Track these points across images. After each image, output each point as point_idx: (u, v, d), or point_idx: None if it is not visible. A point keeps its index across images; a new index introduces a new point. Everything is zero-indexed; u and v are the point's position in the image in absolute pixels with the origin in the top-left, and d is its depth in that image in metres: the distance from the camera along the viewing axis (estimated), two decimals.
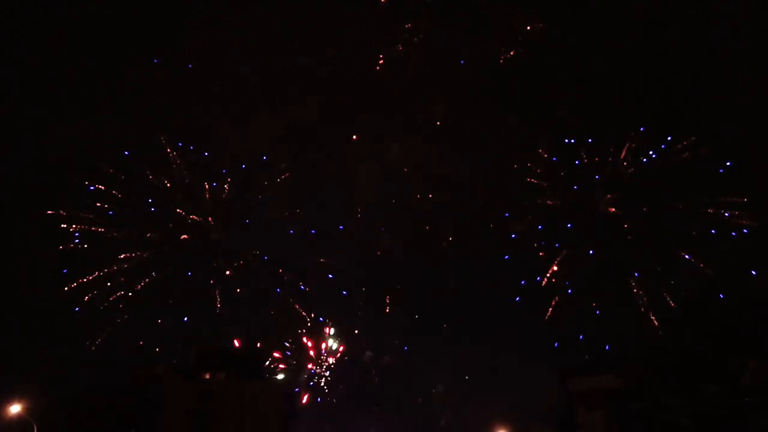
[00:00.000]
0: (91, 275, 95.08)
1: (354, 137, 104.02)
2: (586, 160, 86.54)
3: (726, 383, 26.44)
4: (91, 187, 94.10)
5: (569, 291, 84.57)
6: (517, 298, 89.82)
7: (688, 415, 27.65)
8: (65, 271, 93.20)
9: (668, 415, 28.42)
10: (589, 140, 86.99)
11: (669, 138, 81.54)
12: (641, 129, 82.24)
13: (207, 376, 76.04)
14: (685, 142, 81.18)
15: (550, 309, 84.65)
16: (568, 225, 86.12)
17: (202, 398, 71.05)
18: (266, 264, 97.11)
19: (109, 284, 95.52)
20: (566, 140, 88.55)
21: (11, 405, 44.91)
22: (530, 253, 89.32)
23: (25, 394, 46.97)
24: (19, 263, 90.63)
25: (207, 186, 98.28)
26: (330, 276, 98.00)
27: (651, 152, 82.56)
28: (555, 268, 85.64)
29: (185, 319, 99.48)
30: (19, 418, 45.87)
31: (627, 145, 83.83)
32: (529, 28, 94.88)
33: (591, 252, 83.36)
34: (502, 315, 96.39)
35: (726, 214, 76.69)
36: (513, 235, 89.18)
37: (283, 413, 74.33)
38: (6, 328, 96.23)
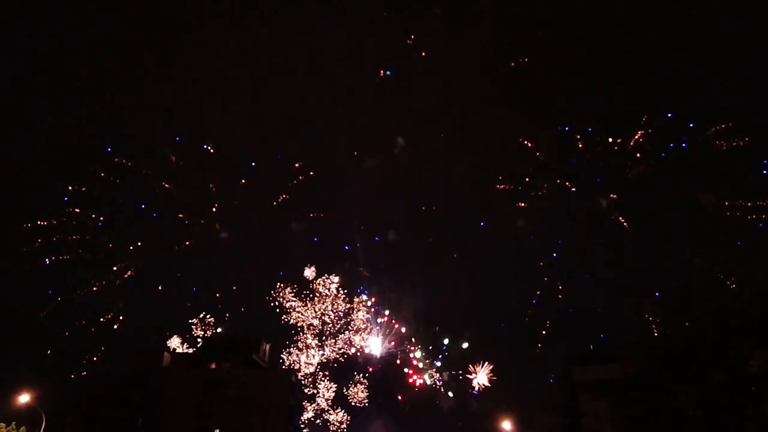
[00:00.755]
0: (95, 279, 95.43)
1: (355, 152, 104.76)
2: (588, 156, 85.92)
3: (731, 371, 26.44)
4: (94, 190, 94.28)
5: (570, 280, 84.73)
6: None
7: (693, 403, 27.63)
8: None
9: (673, 402, 28.41)
10: (589, 129, 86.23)
11: (691, 125, 79.50)
12: (669, 115, 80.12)
13: (212, 366, 76.39)
14: (713, 129, 78.76)
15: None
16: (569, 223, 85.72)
17: (207, 387, 71.44)
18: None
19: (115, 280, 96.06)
20: (566, 131, 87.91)
21: (20, 395, 45.19)
22: (532, 250, 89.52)
23: (34, 385, 47.31)
24: (21, 267, 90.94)
25: (213, 188, 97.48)
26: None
27: (672, 144, 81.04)
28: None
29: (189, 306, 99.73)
30: (28, 408, 46.22)
31: (638, 135, 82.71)
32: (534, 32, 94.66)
33: (593, 245, 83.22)
34: (506, 309, 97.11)
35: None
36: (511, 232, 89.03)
37: (288, 402, 74.71)
38: (14, 323, 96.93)
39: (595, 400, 45.03)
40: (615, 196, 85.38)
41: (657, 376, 29.56)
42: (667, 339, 30.02)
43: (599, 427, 43.02)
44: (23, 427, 45.64)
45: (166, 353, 78.13)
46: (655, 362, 30.10)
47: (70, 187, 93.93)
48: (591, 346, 58.85)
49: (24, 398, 45.23)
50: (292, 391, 79.03)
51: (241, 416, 69.29)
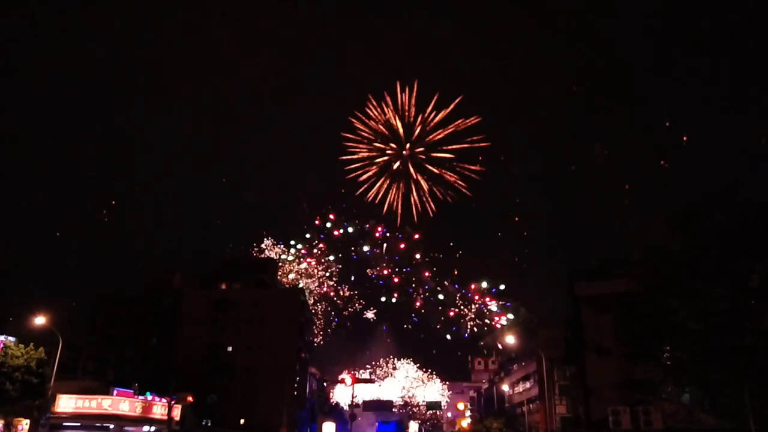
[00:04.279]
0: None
1: None
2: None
3: (733, 286, 26.57)
4: None
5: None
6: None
7: (693, 318, 27.97)
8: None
9: (674, 317, 28.74)
10: None
11: None
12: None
13: (223, 287, 78.09)
14: None
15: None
16: None
17: (218, 307, 73.32)
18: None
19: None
20: None
21: (36, 317, 46.13)
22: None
23: (50, 307, 48.20)
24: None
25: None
26: None
27: None
28: None
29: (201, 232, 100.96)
30: (44, 330, 47.36)
31: None
32: None
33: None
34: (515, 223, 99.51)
35: None
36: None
37: (297, 319, 76.72)
38: (28, 243, 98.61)
39: (597, 314, 45.64)
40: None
41: (659, 292, 29.80)
42: (670, 255, 29.98)
43: (600, 339, 43.69)
44: (41, 348, 46.92)
45: (177, 274, 79.63)
46: (657, 278, 30.26)
47: None
48: (594, 262, 59.26)
49: (40, 320, 46.14)
50: (301, 308, 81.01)
51: (252, 333, 71.38)
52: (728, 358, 26.50)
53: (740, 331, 26.22)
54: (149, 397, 51.69)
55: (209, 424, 64.69)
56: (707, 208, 28.75)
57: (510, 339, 62.08)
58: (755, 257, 26.10)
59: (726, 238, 27.18)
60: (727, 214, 28.24)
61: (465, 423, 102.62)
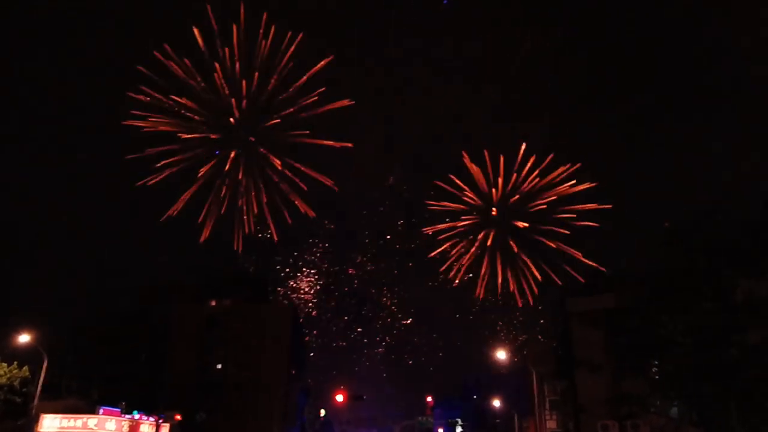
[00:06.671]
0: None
1: None
2: None
3: (718, 300, 26.90)
4: None
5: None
6: None
7: (681, 331, 28.31)
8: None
9: (662, 331, 29.04)
10: None
11: None
12: None
13: (213, 303, 77.43)
14: None
15: None
16: None
17: (207, 324, 72.59)
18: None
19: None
20: None
21: (20, 335, 45.09)
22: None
23: (34, 324, 47.29)
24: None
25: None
26: None
27: None
28: None
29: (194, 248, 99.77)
30: (28, 348, 46.49)
31: None
32: None
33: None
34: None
35: None
36: None
37: (289, 335, 76.07)
38: (14, 260, 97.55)
39: (587, 329, 45.81)
40: None
41: (647, 307, 30.10)
42: (657, 271, 30.39)
43: (591, 354, 43.86)
44: (26, 367, 46.09)
45: (166, 290, 79.01)
46: (644, 293, 30.57)
47: None
48: (584, 279, 59.52)
49: (24, 338, 45.03)
50: (294, 325, 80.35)
51: (243, 351, 70.65)
52: (714, 372, 26.71)
53: (726, 344, 26.45)
54: (136, 416, 50.90)
55: None
56: (694, 225, 29.15)
57: (501, 354, 62.06)
58: (740, 273, 26.46)
59: (711, 254, 27.58)
60: (713, 231, 28.61)
61: None
